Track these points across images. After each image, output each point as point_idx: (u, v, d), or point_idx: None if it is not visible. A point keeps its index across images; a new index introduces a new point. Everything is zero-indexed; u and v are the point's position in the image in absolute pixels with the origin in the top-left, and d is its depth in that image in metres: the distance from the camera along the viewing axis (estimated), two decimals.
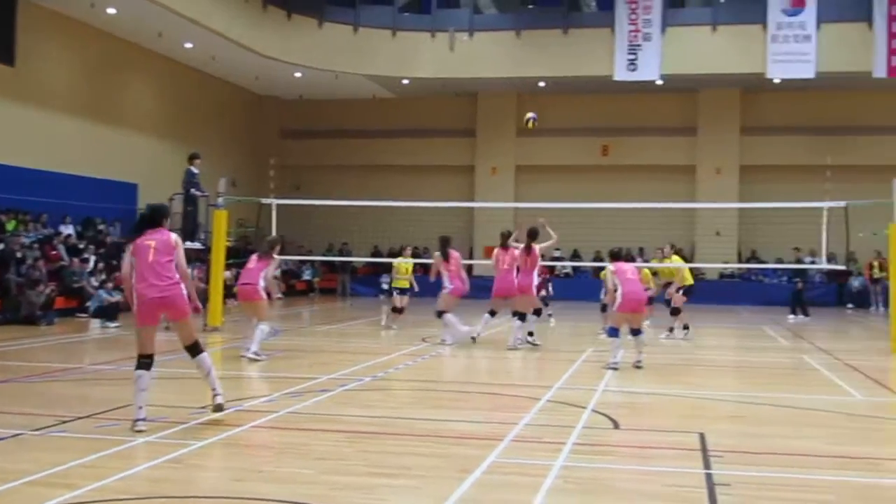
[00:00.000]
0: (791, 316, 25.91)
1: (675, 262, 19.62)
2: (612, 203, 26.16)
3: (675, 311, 19.16)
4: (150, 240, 8.92)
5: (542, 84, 35.03)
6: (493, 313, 17.40)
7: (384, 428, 9.20)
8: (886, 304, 21.75)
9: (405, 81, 34.62)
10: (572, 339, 17.81)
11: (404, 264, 21.26)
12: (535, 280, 17.24)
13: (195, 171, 19.53)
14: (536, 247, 16.88)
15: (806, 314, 26.04)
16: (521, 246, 16.88)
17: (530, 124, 20.08)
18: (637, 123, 35.85)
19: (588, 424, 9.34)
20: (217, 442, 8.22)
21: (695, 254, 33.10)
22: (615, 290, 13.98)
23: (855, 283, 32.78)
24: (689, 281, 19.32)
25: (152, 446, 7.92)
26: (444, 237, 17.84)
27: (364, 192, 33.03)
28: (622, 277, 14.03)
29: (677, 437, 8.96)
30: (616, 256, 14.69)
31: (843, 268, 23.34)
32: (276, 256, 15.16)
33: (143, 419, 8.53)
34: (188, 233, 19.86)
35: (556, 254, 35.23)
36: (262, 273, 14.77)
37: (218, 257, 19.66)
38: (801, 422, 9.88)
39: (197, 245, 20.29)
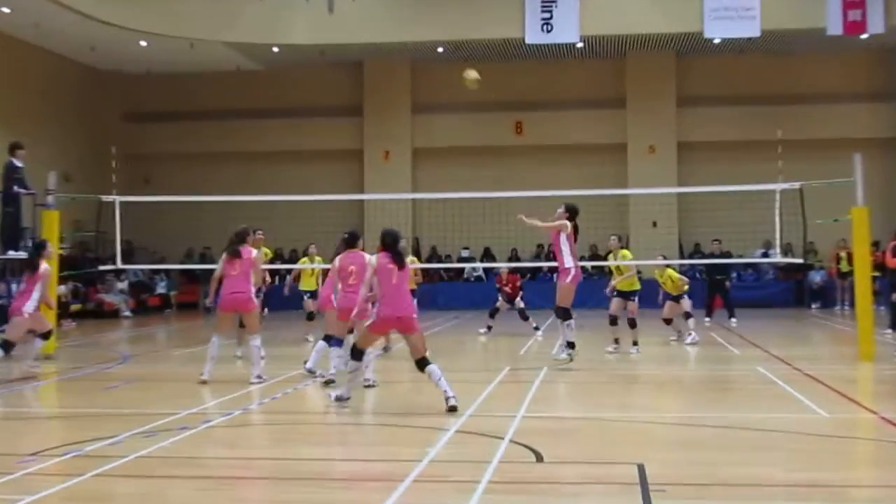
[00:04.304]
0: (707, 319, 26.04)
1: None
2: (528, 191, 26.15)
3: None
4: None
5: (440, 50, 35.08)
6: None
7: (256, 471, 9.09)
8: (853, 303, 22.21)
9: (275, 49, 34.39)
10: (487, 356, 17.78)
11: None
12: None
13: (18, 163, 19.22)
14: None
15: (732, 315, 26.21)
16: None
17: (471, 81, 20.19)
18: (556, 96, 36.23)
19: (506, 458, 9.33)
20: (51, 495, 7.98)
21: (630, 248, 33.42)
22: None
23: (816, 277, 33.46)
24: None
25: None
26: None
27: (229, 186, 32.52)
28: None
29: (612, 469, 9.02)
30: None
31: (801, 261, 23.76)
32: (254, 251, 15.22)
33: None
34: (9, 239, 19.40)
35: (465, 254, 35.40)
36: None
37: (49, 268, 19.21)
38: (755, 446, 10.01)
39: (21, 254, 19.81)
